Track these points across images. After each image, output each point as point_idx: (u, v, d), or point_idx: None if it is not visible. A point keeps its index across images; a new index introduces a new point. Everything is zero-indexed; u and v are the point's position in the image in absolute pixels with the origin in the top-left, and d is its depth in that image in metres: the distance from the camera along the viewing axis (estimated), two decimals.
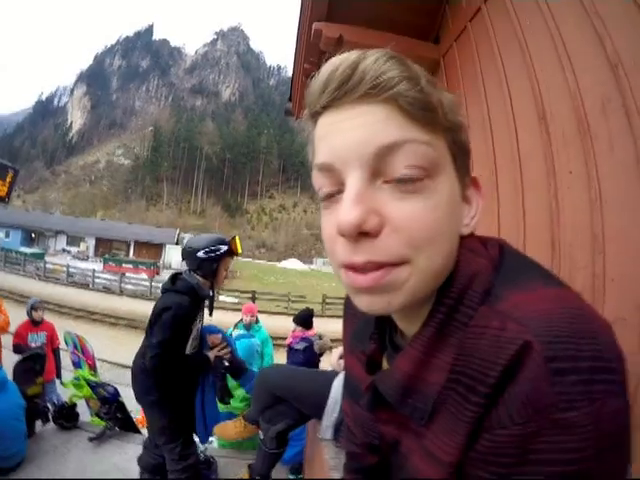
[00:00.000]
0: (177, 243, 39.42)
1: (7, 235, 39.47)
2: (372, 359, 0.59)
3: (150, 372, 2.20)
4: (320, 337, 3.08)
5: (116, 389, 3.68)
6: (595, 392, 0.35)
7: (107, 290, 21.78)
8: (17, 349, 4.71)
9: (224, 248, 2.39)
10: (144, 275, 26.22)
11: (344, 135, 0.42)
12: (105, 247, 42.06)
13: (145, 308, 17.20)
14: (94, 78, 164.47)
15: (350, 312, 0.69)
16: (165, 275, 29.20)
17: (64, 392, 4.32)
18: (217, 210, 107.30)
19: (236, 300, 21.33)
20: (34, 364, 3.71)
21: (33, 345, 4.90)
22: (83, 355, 4.32)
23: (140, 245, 42.17)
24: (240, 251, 2.44)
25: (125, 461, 3.20)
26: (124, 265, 29.48)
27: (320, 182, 0.46)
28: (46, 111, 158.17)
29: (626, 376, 0.37)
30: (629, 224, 1.25)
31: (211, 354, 2.50)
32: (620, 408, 0.36)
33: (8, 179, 4.53)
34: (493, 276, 0.45)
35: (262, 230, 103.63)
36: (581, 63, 1.43)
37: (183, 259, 2.47)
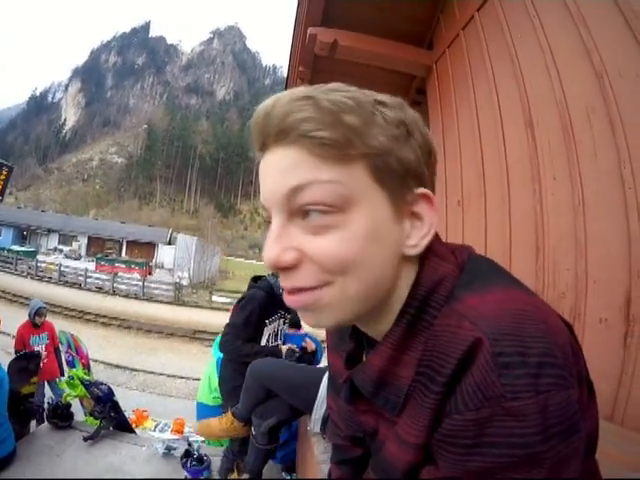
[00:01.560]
0: (169, 243, 39.19)
1: None
2: (352, 356, 0.63)
3: (223, 351, 2.45)
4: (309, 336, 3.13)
5: (110, 388, 3.67)
6: (541, 385, 0.39)
7: (99, 290, 21.56)
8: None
9: None
10: (137, 275, 26.01)
11: (266, 180, 0.47)
12: (97, 246, 41.61)
13: (137, 308, 17.21)
14: (89, 74, 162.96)
15: None
16: (157, 275, 29.04)
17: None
18: (210, 210, 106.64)
19: (228, 300, 21.31)
20: (28, 363, 3.71)
21: (36, 348, 4.86)
22: (77, 354, 4.32)
23: (132, 244, 41.85)
24: None
25: (119, 460, 3.19)
26: (117, 265, 29.17)
27: (266, 216, 0.50)
28: (40, 107, 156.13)
29: (568, 361, 0.41)
30: (610, 229, 1.31)
31: (284, 346, 2.54)
32: (566, 399, 0.40)
33: (2, 177, 4.48)
34: (457, 280, 0.49)
35: (255, 230, 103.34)
36: (568, 73, 1.49)
37: None
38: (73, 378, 3.82)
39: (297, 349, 2.55)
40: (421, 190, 0.48)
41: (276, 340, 2.65)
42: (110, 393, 3.65)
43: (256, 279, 2.64)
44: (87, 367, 4.40)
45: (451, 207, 2.46)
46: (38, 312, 5.17)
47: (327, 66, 3.18)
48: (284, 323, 2.72)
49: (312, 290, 0.46)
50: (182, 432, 4.73)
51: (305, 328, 4.22)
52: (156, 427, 5.13)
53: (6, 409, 3.24)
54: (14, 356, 3.68)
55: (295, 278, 0.46)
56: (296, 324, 4.21)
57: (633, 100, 1.27)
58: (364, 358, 0.62)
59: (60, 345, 4.75)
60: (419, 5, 2.75)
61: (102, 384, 3.76)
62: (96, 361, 8.34)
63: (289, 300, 0.48)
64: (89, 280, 22.65)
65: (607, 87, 1.34)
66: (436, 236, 0.53)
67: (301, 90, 0.45)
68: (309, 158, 0.44)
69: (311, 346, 2.66)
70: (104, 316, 15.00)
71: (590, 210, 1.36)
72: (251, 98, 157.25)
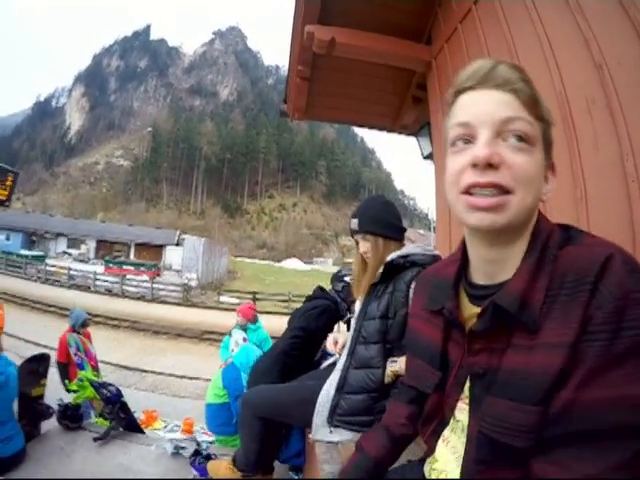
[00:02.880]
0: (177, 244, 39.33)
1: (7, 238, 39.17)
2: (451, 313, 0.77)
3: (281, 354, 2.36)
4: None
5: (118, 389, 3.70)
6: None
7: (109, 292, 21.73)
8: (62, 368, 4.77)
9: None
10: (145, 277, 26.21)
11: (482, 106, 0.65)
12: (106, 249, 41.82)
13: (147, 310, 17.33)
14: (92, 79, 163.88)
15: (420, 285, 0.95)
16: (166, 276, 29.18)
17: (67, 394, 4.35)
18: (217, 210, 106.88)
19: (237, 301, 21.36)
20: (38, 366, 3.75)
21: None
22: (86, 356, 4.36)
23: (141, 246, 41.99)
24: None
25: (129, 460, 3.22)
26: (125, 267, 29.40)
27: (456, 133, 0.67)
28: (44, 112, 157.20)
29: None
30: (613, 221, 1.29)
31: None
32: None
33: (8, 182, 4.58)
34: (562, 233, 0.69)
35: (262, 230, 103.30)
36: (567, 64, 1.47)
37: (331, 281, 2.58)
38: (83, 380, 3.85)
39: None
40: (552, 160, 0.69)
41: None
42: (118, 394, 3.68)
43: (322, 290, 2.58)
44: (96, 369, 4.44)
45: None
46: (84, 323, 5.25)
47: (326, 63, 3.18)
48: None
49: (503, 194, 0.62)
50: (192, 432, 4.75)
51: None
52: (166, 427, 5.14)
53: (13, 408, 3.29)
54: (24, 358, 3.71)
55: (494, 175, 0.62)
56: None
57: (633, 90, 1.25)
58: (462, 312, 0.77)
59: (69, 347, 4.78)
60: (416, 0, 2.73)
61: (110, 385, 3.79)
62: (107, 363, 8.43)
63: (479, 201, 0.63)
64: (98, 283, 22.85)
65: (607, 77, 1.32)
66: None
67: (508, 62, 0.67)
68: (516, 103, 0.64)
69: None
70: (114, 318, 15.07)
71: (592, 203, 1.34)
72: (254, 98, 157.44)
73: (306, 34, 2.66)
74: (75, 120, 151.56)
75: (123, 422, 3.59)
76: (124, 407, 3.64)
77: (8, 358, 3.48)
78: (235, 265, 46.56)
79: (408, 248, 1.58)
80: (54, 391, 3.99)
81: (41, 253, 33.90)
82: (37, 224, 42.93)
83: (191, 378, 9.13)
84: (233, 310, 16.60)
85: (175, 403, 7.12)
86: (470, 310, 0.75)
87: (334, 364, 1.81)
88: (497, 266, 0.71)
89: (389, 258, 1.53)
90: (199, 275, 29.62)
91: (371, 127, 4.31)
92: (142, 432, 3.88)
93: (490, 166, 0.62)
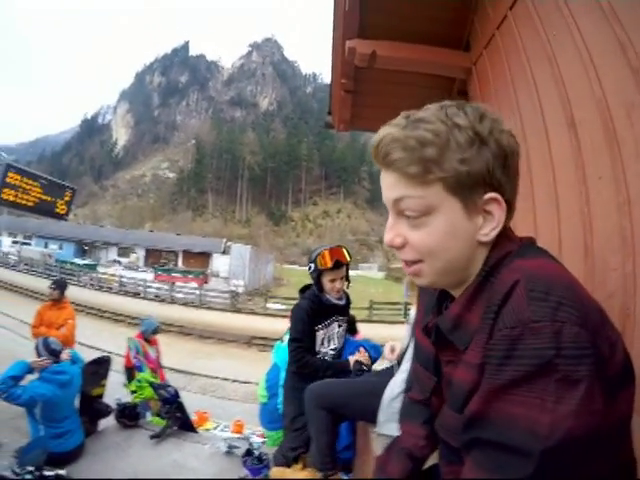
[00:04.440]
0: (224, 252, 40.29)
1: (61, 247, 42.07)
2: (428, 327, 0.85)
3: (295, 366, 2.59)
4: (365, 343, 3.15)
5: (176, 390, 3.91)
6: (557, 315, 0.55)
7: (158, 298, 22.71)
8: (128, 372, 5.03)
9: (313, 266, 2.58)
10: (194, 284, 27.05)
11: (383, 190, 0.72)
12: (154, 257, 43.58)
13: (195, 315, 17.88)
14: (135, 96, 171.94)
15: (422, 292, 1.01)
16: (213, 284, 30.03)
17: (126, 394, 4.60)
18: (262, 218, 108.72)
19: (284, 307, 21.57)
20: (100, 367, 4.03)
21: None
22: (145, 359, 4.62)
23: (188, 255, 43.44)
24: (329, 265, 2.49)
25: (183, 457, 3.40)
26: (174, 274, 30.47)
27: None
28: (92, 129, 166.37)
29: (589, 317, 0.56)
30: None
31: (352, 358, 2.60)
32: (577, 333, 0.54)
33: (67, 198, 4.94)
34: (515, 254, 0.69)
35: (307, 237, 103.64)
36: (605, 70, 1.46)
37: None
38: (141, 381, 4.09)
39: (365, 361, 2.57)
40: (489, 195, 0.68)
41: (329, 344, 2.70)
42: (176, 395, 3.88)
43: (304, 290, 2.74)
44: (154, 371, 4.68)
45: None
46: (155, 331, 5.57)
47: (368, 75, 3.24)
48: (339, 327, 2.75)
49: (414, 264, 0.71)
50: (242, 433, 4.89)
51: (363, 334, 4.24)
52: (216, 428, 5.32)
53: (75, 405, 3.53)
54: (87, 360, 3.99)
55: (402, 253, 0.72)
56: (351, 330, 4.24)
57: None
58: None
59: (129, 351, 5.07)
60: (451, 8, 2.74)
61: (169, 386, 4.01)
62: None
63: (406, 270, 0.74)
64: (148, 290, 23.83)
65: None
66: (508, 226, 0.73)
67: (396, 126, 0.68)
68: (402, 180, 0.68)
69: (363, 356, 2.65)
70: (164, 323, 15.62)
71: (636, 209, 1.33)
72: (294, 107, 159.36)
73: (348, 49, 2.74)
74: (121, 135, 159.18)
75: (179, 421, 3.80)
76: (180, 407, 3.84)
77: (78, 353, 3.81)
78: (281, 272, 47.14)
79: None
80: (112, 391, 4.28)
81: (94, 262, 35.83)
82: (88, 234, 45.50)
83: (241, 382, 9.31)
84: (280, 316, 16.90)
85: (224, 405, 7.35)
86: None
87: (390, 367, 1.99)
88: (457, 291, 0.78)
89: None
90: (246, 282, 30.29)
91: None
92: (195, 431, 4.08)
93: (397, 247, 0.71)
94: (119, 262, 42.10)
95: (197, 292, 23.09)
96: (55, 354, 3.47)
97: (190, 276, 30.20)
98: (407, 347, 1.80)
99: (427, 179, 0.66)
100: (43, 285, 21.21)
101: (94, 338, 10.50)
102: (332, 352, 2.70)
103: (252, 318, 18.63)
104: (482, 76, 2.69)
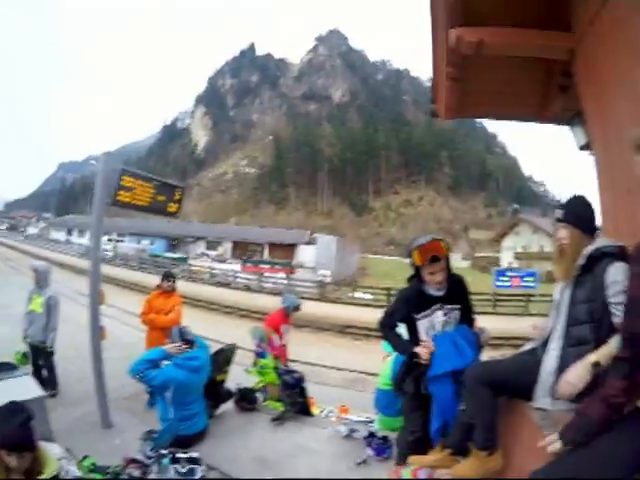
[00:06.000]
0: (309, 243, 40.93)
1: (152, 243, 46.08)
2: None
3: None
4: (482, 330, 3.05)
5: (302, 376, 4.16)
6: None
7: (247, 288, 23.51)
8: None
9: (410, 260, 2.63)
10: (282, 274, 27.99)
11: None
12: (241, 249, 44.84)
13: None
14: (210, 99, 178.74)
15: None
16: (300, 273, 30.70)
17: (247, 379, 4.81)
18: (344, 209, 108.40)
19: (370, 297, 21.61)
20: (225, 355, 4.35)
21: (285, 335, 5.66)
22: (269, 346, 4.94)
23: (274, 246, 44.10)
24: (422, 263, 2.54)
25: (304, 440, 3.55)
26: (261, 265, 31.57)
27: None
28: (172, 134, 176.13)
29: None
30: None
31: (417, 348, 2.58)
32: None
33: (177, 197, 5.38)
34: None
35: (390, 226, 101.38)
36: None
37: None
38: (264, 367, 4.39)
39: (423, 355, 2.51)
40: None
41: (434, 331, 2.66)
42: (300, 379, 4.11)
43: (411, 278, 2.75)
44: (278, 357, 4.94)
45: (620, 196, 2.33)
46: (296, 307, 5.98)
47: (472, 62, 3.20)
48: (445, 315, 2.66)
49: None
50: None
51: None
52: (322, 413, 5.30)
53: (202, 390, 3.73)
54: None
55: None
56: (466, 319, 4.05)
57: None
58: None
59: (253, 339, 5.35)
60: None
61: (295, 372, 4.25)
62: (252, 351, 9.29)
63: None
64: (237, 280, 25.16)
65: None
66: None
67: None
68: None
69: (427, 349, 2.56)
70: (257, 312, 15.42)
71: None
72: (367, 96, 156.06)
73: (455, 38, 2.74)
74: (201, 137, 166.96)
75: (298, 406, 3.99)
76: (302, 392, 4.07)
77: (201, 340, 4.02)
78: (365, 262, 47.17)
79: (600, 241, 1.81)
80: (231, 377, 4.48)
81: (184, 256, 38.09)
82: (177, 230, 47.76)
83: (338, 369, 9.49)
84: (368, 306, 16.71)
85: (325, 391, 7.50)
86: None
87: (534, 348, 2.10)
88: None
89: (587, 252, 1.77)
90: (333, 272, 30.70)
91: (517, 119, 4.22)
92: (312, 415, 4.28)
93: None
94: (207, 255, 44.10)
95: (285, 282, 23.83)
96: (189, 342, 3.72)
97: (277, 267, 31.00)
98: (552, 328, 1.94)
99: None
100: (138, 277, 23.10)
101: (192, 326, 11.27)
102: None
103: (341, 307, 18.74)
104: (589, 55, 2.59)
